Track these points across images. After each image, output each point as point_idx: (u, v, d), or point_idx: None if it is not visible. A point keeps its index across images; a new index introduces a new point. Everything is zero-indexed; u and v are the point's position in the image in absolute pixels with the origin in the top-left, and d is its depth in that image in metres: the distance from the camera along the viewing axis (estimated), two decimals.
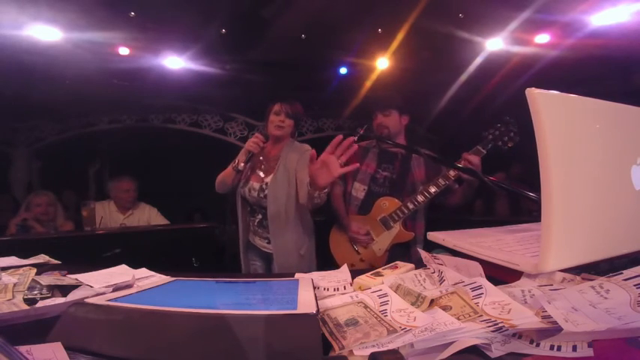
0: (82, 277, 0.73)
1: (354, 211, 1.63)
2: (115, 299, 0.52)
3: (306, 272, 0.79)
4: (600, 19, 2.34)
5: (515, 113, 1.30)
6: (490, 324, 0.44)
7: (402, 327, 0.46)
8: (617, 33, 2.37)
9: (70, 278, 0.73)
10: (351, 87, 3.44)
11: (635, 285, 0.44)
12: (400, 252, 1.54)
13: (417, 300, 0.55)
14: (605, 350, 0.38)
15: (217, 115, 4.31)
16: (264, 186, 1.55)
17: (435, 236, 0.79)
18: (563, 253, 0.52)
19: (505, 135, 1.37)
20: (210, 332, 0.42)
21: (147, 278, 0.76)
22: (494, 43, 2.77)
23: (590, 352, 0.38)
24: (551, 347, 0.40)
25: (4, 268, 0.81)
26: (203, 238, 2.42)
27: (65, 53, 2.60)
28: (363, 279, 0.68)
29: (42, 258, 0.99)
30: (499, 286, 0.54)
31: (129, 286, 0.68)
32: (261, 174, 1.60)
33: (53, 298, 0.64)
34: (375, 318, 0.50)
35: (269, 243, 1.58)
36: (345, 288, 0.68)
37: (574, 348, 0.39)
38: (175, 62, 3.00)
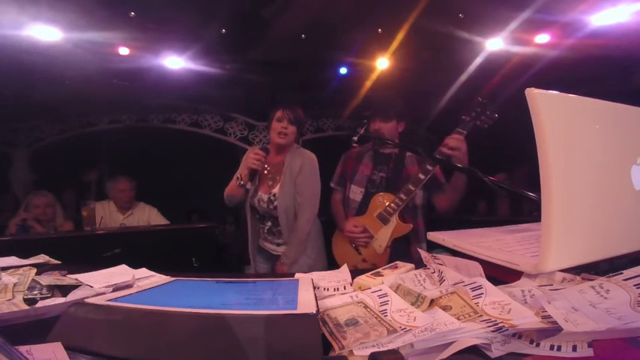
0: (82, 277, 0.73)
1: (352, 214, 1.64)
2: (115, 299, 0.52)
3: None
4: (600, 19, 2.34)
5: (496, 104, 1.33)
6: (490, 324, 0.44)
7: (402, 327, 0.46)
8: (617, 33, 2.37)
9: (70, 278, 0.73)
10: (351, 87, 3.43)
11: (635, 285, 0.44)
12: (401, 248, 1.55)
13: (417, 300, 0.55)
14: (605, 350, 0.38)
15: (217, 115, 4.30)
16: (272, 197, 1.56)
17: (435, 236, 0.79)
18: (563, 253, 0.52)
19: (482, 114, 1.35)
20: (210, 332, 0.42)
21: (147, 278, 0.76)
22: (494, 43, 2.77)
23: (590, 352, 0.38)
24: (551, 347, 0.40)
25: (4, 268, 0.81)
26: (203, 238, 2.42)
27: (65, 53, 2.60)
28: (363, 279, 0.68)
29: (42, 258, 0.99)
30: (499, 286, 0.54)
31: (129, 286, 0.68)
32: (268, 183, 1.60)
33: (53, 298, 0.63)
34: (375, 318, 0.50)
35: (279, 246, 1.61)
36: (345, 288, 0.67)
37: (574, 348, 0.39)
38: (175, 62, 3.00)
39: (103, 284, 0.69)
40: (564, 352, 0.39)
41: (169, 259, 1.50)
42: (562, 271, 0.54)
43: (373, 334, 0.45)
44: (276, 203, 1.55)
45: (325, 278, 0.73)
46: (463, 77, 3.12)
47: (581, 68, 2.78)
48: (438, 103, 3.50)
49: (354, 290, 0.66)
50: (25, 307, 0.59)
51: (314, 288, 0.62)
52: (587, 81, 2.64)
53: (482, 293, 0.52)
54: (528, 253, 0.61)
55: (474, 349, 0.40)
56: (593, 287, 0.46)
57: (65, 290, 0.67)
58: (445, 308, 0.51)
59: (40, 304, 0.60)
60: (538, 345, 0.41)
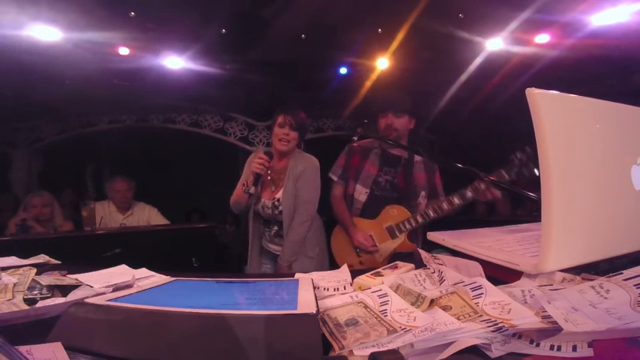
0: (82, 277, 0.73)
1: (355, 215, 1.63)
2: (115, 299, 0.52)
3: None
4: (600, 19, 2.34)
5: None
6: (490, 324, 0.44)
7: (402, 327, 0.46)
8: (617, 33, 2.37)
9: (70, 278, 0.73)
10: (351, 87, 3.44)
11: (635, 285, 0.44)
12: (400, 260, 1.53)
13: (417, 300, 0.55)
14: (605, 350, 0.38)
15: (217, 115, 4.30)
16: (276, 202, 1.56)
17: (435, 236, 0.79)
18: (563, 253, 0.52)
19: (527, 165, 1.30)
20: (210, 332, 0.42)
21: (147, 278, 0.76)
22: (494, 43, 2.76)
23: (590, 352, 0.38)
24: (551, 347, 0.40)
25: (4, 268, 0.81)
26: (203, 238, 2.42)
27: (65, 53, 2.60)
28: (363, 279, 0.68)
29: (42, 258, 0.99)
30: (499, 286, 0.54)
31: (129, 286, 0.68)
32: (271, 189, 1.60)
33: (53, 298, 0.63)
34: (375, 318, 0.50)
35: None
36: (345, 288, 0.68)
37: (574, 348, 0.39)
38: (175, 62, 3.00)
39: (103, 284, 0.69)
40: (564, 352, 0.39)
41: (169, 259, 1.49)
42: (562, 271, 0.54)
43: (373, 334, 0.45)
44: (281, 208, 1.54)
45: (325, 278, 0.73)
46: (463, 77, 3.13)
47: (581, 68, 2.78)
48: (438, 103, 3.50)
49: (354, 290, 0.66)
50: (25, 307, 0.59)
51: (314, 288, 0.62)
52: (587, 81, 2.65)
53: (482, 293, 0.52)
54: (528, 253, 0.61)
55: (474, 349, 0.40)
56: (593, 287, 0.46)
57: (65, 290, 0.67)
58: (445, 308, 0.51)
59: (40, 304, 0.60)
60: (538, 345, 0.41)
